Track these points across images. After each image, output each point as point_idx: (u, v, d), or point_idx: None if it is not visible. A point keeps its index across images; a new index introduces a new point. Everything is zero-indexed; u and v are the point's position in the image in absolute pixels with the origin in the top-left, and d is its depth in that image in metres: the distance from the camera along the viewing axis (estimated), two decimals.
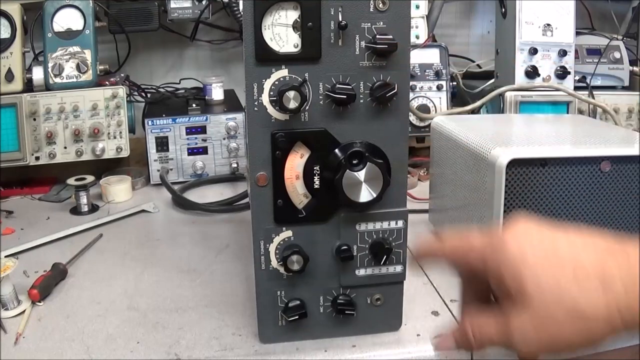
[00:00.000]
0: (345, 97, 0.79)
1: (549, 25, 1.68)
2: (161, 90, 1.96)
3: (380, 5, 0.79)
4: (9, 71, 1.56)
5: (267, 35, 0.78)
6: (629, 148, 0.94)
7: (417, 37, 1.85)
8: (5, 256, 1.12)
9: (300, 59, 0.78)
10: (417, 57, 1.76)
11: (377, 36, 0.78)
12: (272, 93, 0.79)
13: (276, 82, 0.79)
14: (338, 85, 0.79)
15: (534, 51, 1.68)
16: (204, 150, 1.65)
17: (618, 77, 1.80)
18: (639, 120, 1.73)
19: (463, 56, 2.18)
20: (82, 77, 1.59)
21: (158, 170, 1.63)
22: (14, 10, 1.57)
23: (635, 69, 1.82)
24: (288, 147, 0.81)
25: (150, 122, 1.62)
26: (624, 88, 1.80)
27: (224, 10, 1.89)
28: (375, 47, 0.78)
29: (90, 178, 1.47)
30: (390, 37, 0.78)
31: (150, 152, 1.62)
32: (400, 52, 0.80)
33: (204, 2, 1.77)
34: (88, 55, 1.60)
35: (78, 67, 1.59)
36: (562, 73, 1.68)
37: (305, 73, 0.79)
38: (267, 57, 0.78)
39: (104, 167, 1.69)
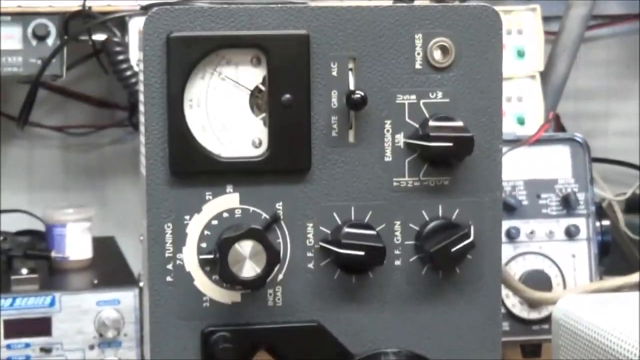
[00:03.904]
0: (362, 253, 0.51)
1: None
2: None
3: (438, 55, 0.50)
4: None
5: (196, 118, 0.49)
6: None
7: (521, 121, 1.28)
8: None
9: (267, 172, 0.51)
10: (522, 166, 1.19)
11: (431, 123, 0.51)
12: (204, 245, 0.51)
13: (214, 222, 0.51)
14: (347, 230, 0.51)
15: None
16: None
17: None
18: None
19: (625, 162, 1.36)
20: None
21: None
22: None
23: None
24: None
25: None
26: None
27: (94, 59, 1.09)
28: (428, 145, 0.51)
29: None
30: (460, 123, 0.50)
31: None
32: (481, 156, 0.52)
33: (49, 42, 0.98)
34: None
35: None
36: None
37: (278, 202, 0.52)
38: (196, 167, 0.50)
39: None
